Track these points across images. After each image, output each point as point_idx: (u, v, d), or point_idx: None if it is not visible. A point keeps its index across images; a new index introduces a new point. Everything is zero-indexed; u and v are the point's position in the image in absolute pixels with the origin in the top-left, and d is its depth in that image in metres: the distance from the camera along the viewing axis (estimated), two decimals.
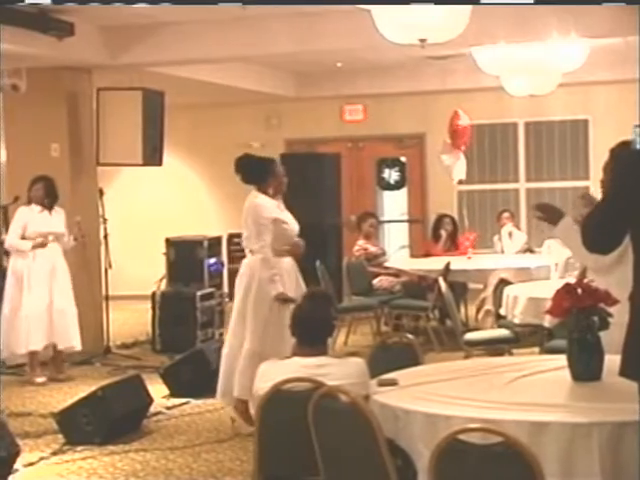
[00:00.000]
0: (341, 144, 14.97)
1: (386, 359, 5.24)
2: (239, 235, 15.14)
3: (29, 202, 9.38)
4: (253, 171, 7.27)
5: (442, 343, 10.09)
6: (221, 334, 10.80)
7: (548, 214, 5.12)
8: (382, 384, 4.60)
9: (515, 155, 14.79)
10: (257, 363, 6.84)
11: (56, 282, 9.34)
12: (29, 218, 9.28)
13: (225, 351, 7.25)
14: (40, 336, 9.20)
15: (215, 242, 12.11)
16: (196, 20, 9.89)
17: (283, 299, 7.01)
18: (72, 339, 9.40)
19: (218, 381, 7.24)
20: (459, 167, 11.94)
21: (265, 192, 7.23)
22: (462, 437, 3.64)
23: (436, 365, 5.40)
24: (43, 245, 9.27)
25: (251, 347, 7.00)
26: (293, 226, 7.30)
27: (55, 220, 9.42)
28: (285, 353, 6.97)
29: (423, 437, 4.06)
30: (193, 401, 8.15)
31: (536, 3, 7.11)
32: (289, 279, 7.19)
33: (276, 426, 4.53)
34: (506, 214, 12.82)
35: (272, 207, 7.18)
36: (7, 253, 10.83)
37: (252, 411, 6.69)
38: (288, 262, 7.27)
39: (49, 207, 9.38)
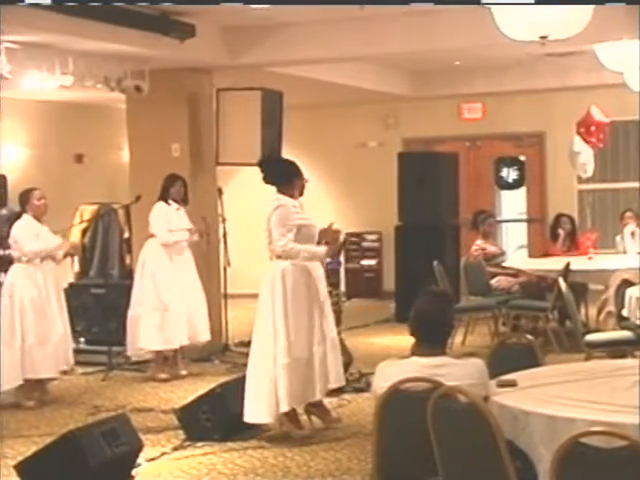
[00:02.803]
0: (459, 143, 14.88)
1: (505, 360, 5.19)
2: (356, 234, 15.46)
3: (164, 199, 9.51)
4: (282, 172, 7.28)
5: (562, 344, 9.94)
6: (338, 333, 10.80)
7: None
8: (501, 385, 4.56)
9: (638, 153, 14.47)
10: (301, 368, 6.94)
11: (187, 279, 9.54)
12: (170, 215, 9.48)
13: (285, 361, 7.02)
14: (168, 335, 9.38)
15: None
16: (314, 20, 9.94)
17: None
18: (200, 336, 9.60)
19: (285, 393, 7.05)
20: (590, 164, 11.73)
21: (290, 194, 7.18)
22: (585, 440, 3.58)
23: (556, 367, 5.32)
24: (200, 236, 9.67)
25: (299, 355, 7.03)
26: (314, 226, 7.24)
27: (186, 217, 9.64)
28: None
29: (544, 439, 4.01)
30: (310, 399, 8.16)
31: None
32: (312, 282, 7.14)
33: (395, 426, 4.52)
34: (629, 213, 12.54)
35: (295, 211, 7.12)
36: (130, 251, 11.12)
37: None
38: (314, 266, 7.23)
39: (182, 205, 9.61)
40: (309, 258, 7.10)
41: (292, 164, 7.43)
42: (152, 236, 9.53)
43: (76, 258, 11.70)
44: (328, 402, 8.05)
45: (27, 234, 8.44)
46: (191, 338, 9.55)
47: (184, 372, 9.58)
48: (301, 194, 7.30)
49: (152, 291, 9.42)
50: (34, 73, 8.90)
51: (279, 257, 7.08)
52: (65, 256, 8.94)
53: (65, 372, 8.83)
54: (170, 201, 9.54)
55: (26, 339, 8.34)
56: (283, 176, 7.25)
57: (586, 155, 11.50)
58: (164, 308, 9.38)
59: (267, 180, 7.28)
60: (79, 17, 8.31)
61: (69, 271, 11.33)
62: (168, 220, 9.48)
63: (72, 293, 10.46)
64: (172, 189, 9.54)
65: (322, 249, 7.17)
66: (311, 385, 7.07)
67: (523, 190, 15.00)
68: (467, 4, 8.97)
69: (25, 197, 8.59)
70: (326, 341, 7.21)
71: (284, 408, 6.97)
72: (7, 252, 8.75)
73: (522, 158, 14.88)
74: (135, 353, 9.56)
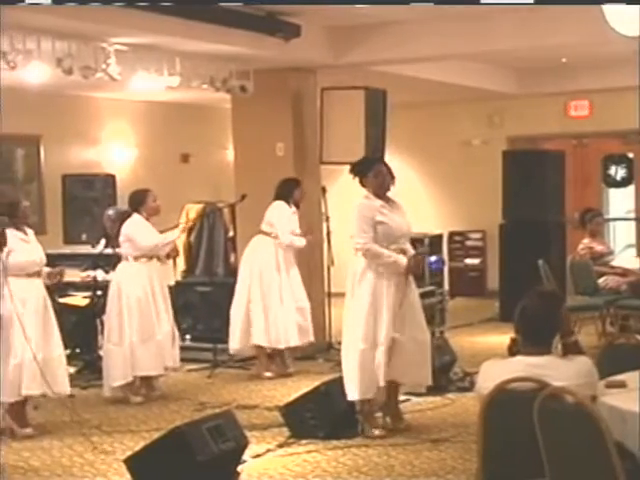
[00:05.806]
0: (565, 141, 14.68)
1: (614, 360, 5.10)
2: (460, 233, 15.39)
3: (285, 201, 9.54)
4: (356, 171, 7.42)
5: None
6: (442, 332, 10.78)
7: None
8: (610, 386, 4.49)
9: None
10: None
11: (289, 278, 9.58)
12: (290, 217, 9.54)
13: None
14: (273, 334, 9.47)
15: (436, 240, 12.11)
16: (418, 19, 9.90)
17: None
18: (305, 334, 9.64)
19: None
20: None
21: (372, 192, 7.27)
22: None
23: None
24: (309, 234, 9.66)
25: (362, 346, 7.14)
26: (397, 226, 7.23)
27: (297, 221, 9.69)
28: None
29: None
30: (414, 399, 8.14)
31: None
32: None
33: (500, 426, 4.47)
34: None
35: (375, 208, 7.20)
36: (235, 250, 11.22)
37: None
38: None
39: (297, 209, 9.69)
40: (386, 265, 7.10)
41: (364, 163, 7.60)
42: (262, 233, 9.58)
43: (182, 256, 11.86)
44: (431, 401, 8.07)
45: (142, 231, 8.53)
46: (294, 339, 9.58)
47: (288, 370, 9.63)
48: (381, 191, 7.30)
49: (257, 289, 9.50)
50: (142, 74, 9.05)
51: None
52: (168, 257, 8.99)
53: (174, 369, 8.95)
54: (291, 204, 9.58)
55: (132, 337, 8.48)
56: (359, 176, 7.38)
57: None
58: (267, 307, 9.45)
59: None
60: (186, 19, 8.44)
61: (171, 270, 11.47)
62: (290, 221, 9.53)
63: (178, 291, 10.61)
64: (296, 191, 9.60)
65: (403, 260, 7.13)
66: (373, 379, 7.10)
67: (631, 188, 14.73)
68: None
69: (140, 198, 8.69)
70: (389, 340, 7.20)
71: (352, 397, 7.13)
72: (116, 250, 8.91)
73: (630, 155, 14.62)
74: (236, 350, 9.64)
